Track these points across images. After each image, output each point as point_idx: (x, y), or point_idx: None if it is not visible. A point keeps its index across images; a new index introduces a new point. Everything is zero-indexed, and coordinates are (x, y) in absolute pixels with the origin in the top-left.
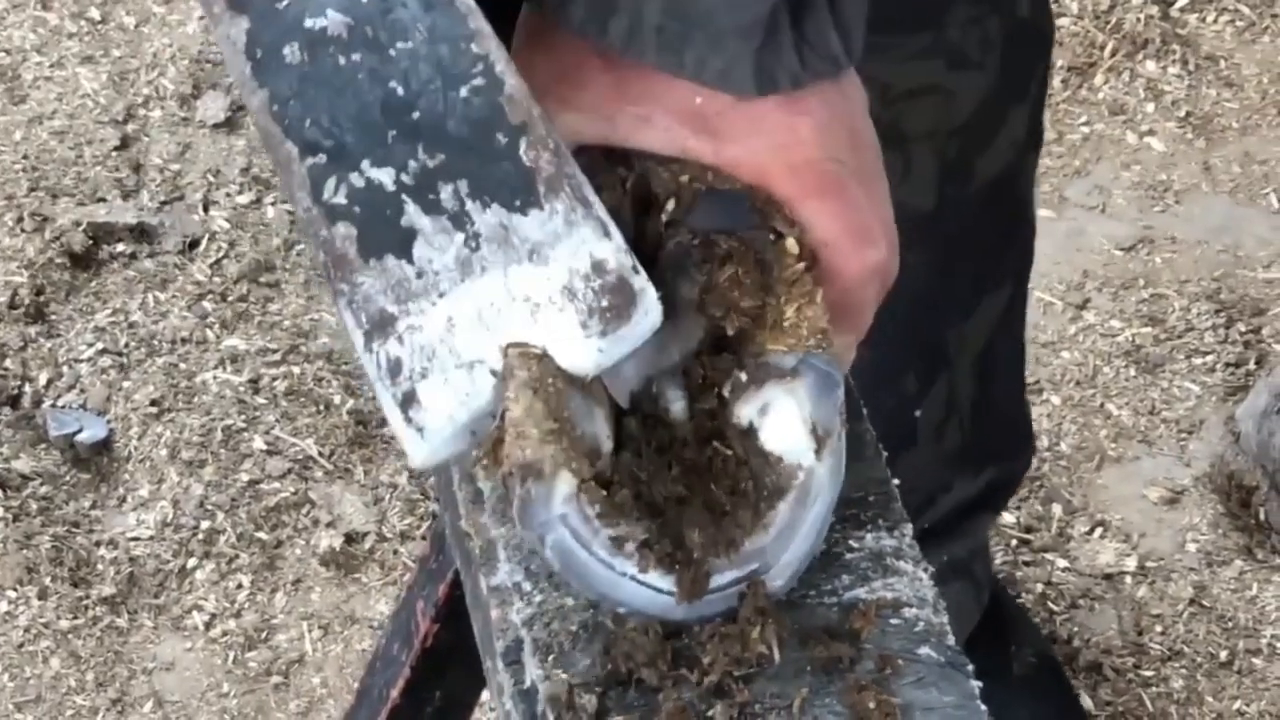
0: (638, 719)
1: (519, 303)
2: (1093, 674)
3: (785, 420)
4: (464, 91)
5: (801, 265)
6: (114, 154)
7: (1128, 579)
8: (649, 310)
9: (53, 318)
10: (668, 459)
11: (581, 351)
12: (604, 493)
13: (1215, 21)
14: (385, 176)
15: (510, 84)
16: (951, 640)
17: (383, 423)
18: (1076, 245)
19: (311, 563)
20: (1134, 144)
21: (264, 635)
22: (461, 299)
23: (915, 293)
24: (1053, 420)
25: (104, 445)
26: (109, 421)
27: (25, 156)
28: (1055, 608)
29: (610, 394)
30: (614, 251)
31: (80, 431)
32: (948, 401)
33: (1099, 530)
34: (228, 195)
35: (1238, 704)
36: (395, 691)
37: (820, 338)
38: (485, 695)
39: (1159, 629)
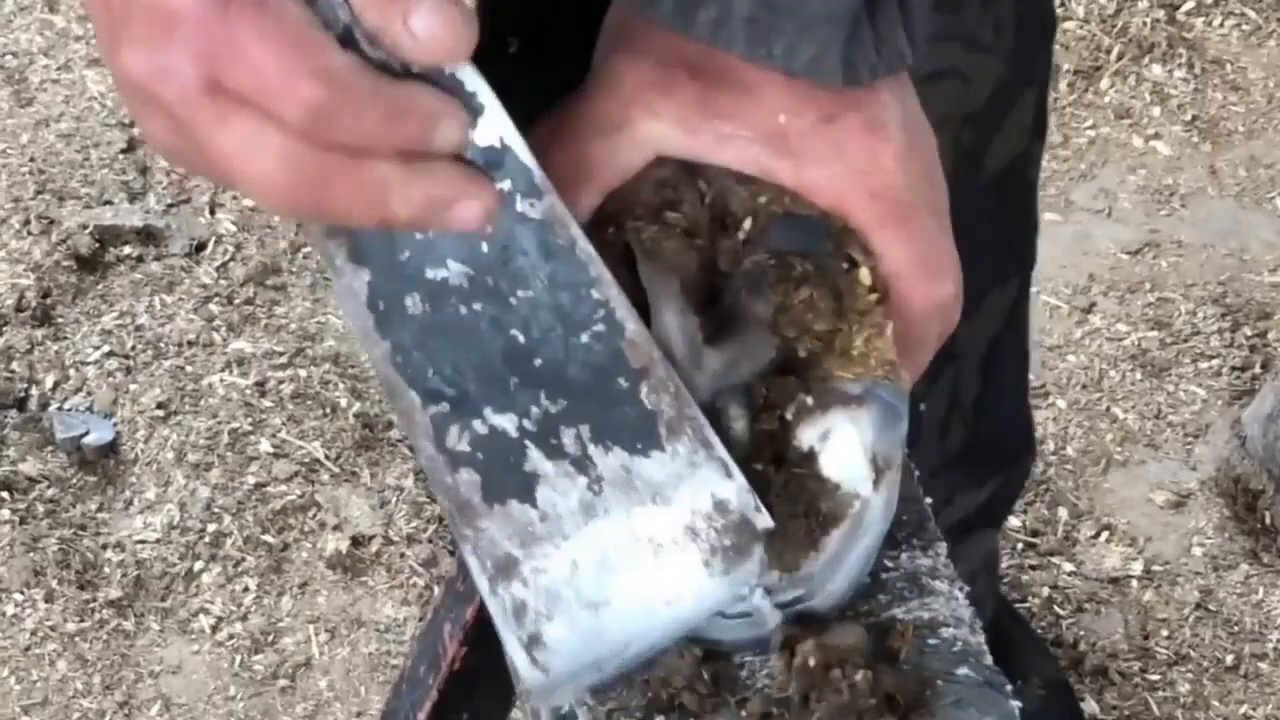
0: None
1: (642, 543)
2: (1099, 678)
3: (847, 448)
4: (585, 338)
5: (874, 296)
6: (121, 156)
7: (1134, 583)
8: (757, 548)
9: (59, 320)
10: None
11: (707, 589)
12: None
13: (1221, 25)
14: (508, 423)
15: (631, 329)
16: (989, 659)
17: (389, 425)
18: (1082, 249)
19: (318, 566)
20: (1140, 148)
21: (270, 638)
22: (585, 542)
23: None
24: (1059, 424)
25: (110, 448)
26: (115, 424)
27: (32, 159)
28: (1061, 612)
29: None
30: (736, 491)
31: (87, 434)
32: (951, 397)
33: (1105, 534)
34: (234, 198)
35: (1244, 708)
36: (422, 715)
37: (889, 369)
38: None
39: (1165, 633)
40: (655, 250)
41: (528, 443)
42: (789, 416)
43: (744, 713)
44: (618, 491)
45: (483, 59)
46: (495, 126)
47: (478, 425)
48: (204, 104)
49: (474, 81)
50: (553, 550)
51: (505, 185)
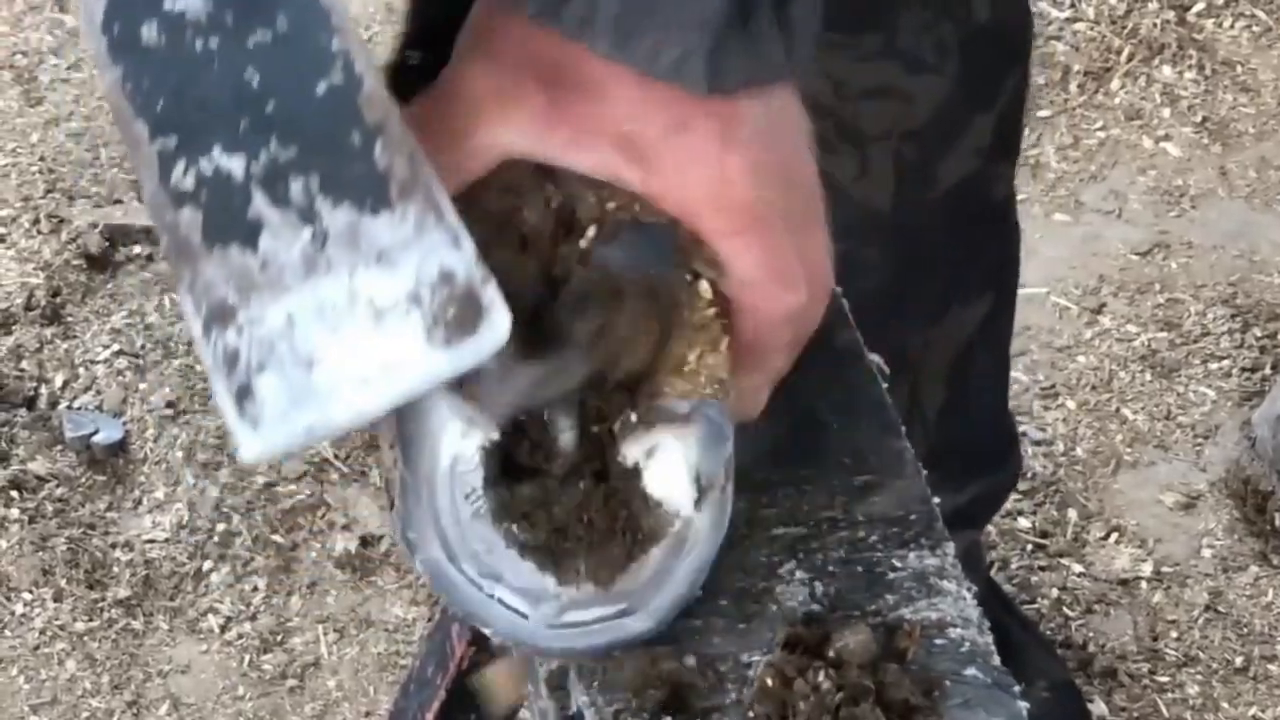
0: None
1: (363, 305)
2: (1108, 680)
3: (670, 466)
4: (321, 87)
5: (711, 311)
6: None
7: (1143, 584)
8: (496, 325)
9: (69, 319)
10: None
11: (425, 361)
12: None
13: (1232, 27)
14: (235, 165)
15: (369, 84)
16: (997, 660)
17: None
18: (1092, 250)
19: (327, 565)
20: (1150, 149)
21: (279, 638)
22: (305, 296)
23: (876, 289)
24: (1068, 425)
25: (120, 447)
26: (125, 423)
27: (42, 158)
28: (1070, 613)
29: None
30: (464, 262)
31: (96, 433)
32: (909, 407)
33: (1114, 535)
34: None
35: (1253, 710)
36: (430, 715)
37: (718, 388)
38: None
39: (1174, 635)
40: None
41: (254, 188)
42: (615, 429)
43: (751, 714)
44: (342, 249)
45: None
46: None
47: (204, 164)
48: None
49: None
50: (270, 301)
51: None
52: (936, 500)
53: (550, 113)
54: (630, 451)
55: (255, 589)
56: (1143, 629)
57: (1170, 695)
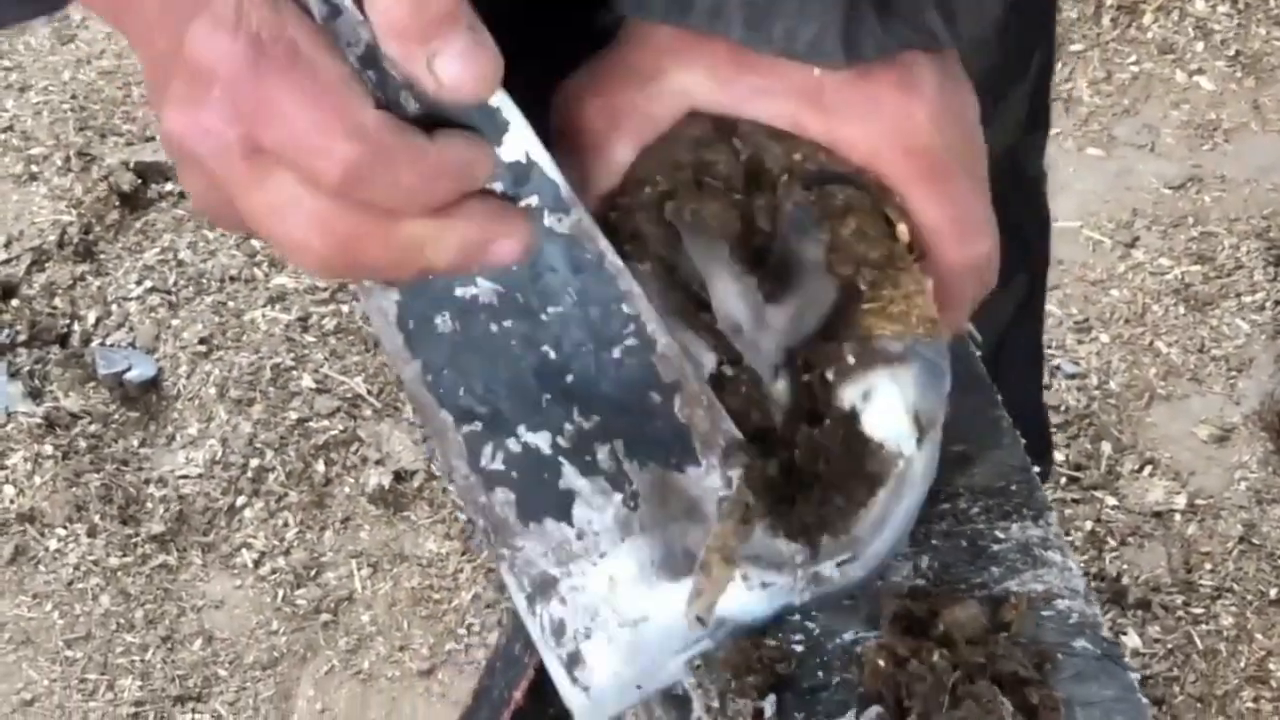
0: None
1: (678, 558)
2: (1141, 611)
3: (888, 407)
4: (616, 353)
5: (912, 255)
6: None
7: (1177, 517)
8: (791, 556)
9: (101, 256)
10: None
11: (742, 598)
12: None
13: None
14: (542, 441)
15: (661, 343)
16: (1106, 631)
17: None
18: (1125, 184)
19: (360, 500)
20: (1183, 83)
21: (313, 573)
22: (623, 558)
23: None
24: (1102, 358)
25: (153, 383)
26: (158, 360)
27: (74, 96)
28: (1105, 546)
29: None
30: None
31: (129, 370)
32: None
33: (1148, 468)
34: None
35: None
36: (518, 693)
37: (930, 326)
38: None
39: (1208, 566)
40: (698, 221)
41: (562, 460)
42: (830, 376)
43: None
44: (653, 507)
45: None
46: (521, 142)
47: (511, 444)
48: (241, 164)
49: (499, 98)
50: (590, 568)
51: (533, 200)
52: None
53: (735, 61)
54: (847, 395)
55: (288, 524)
56: (1176, 561)
57: (1204, 627)
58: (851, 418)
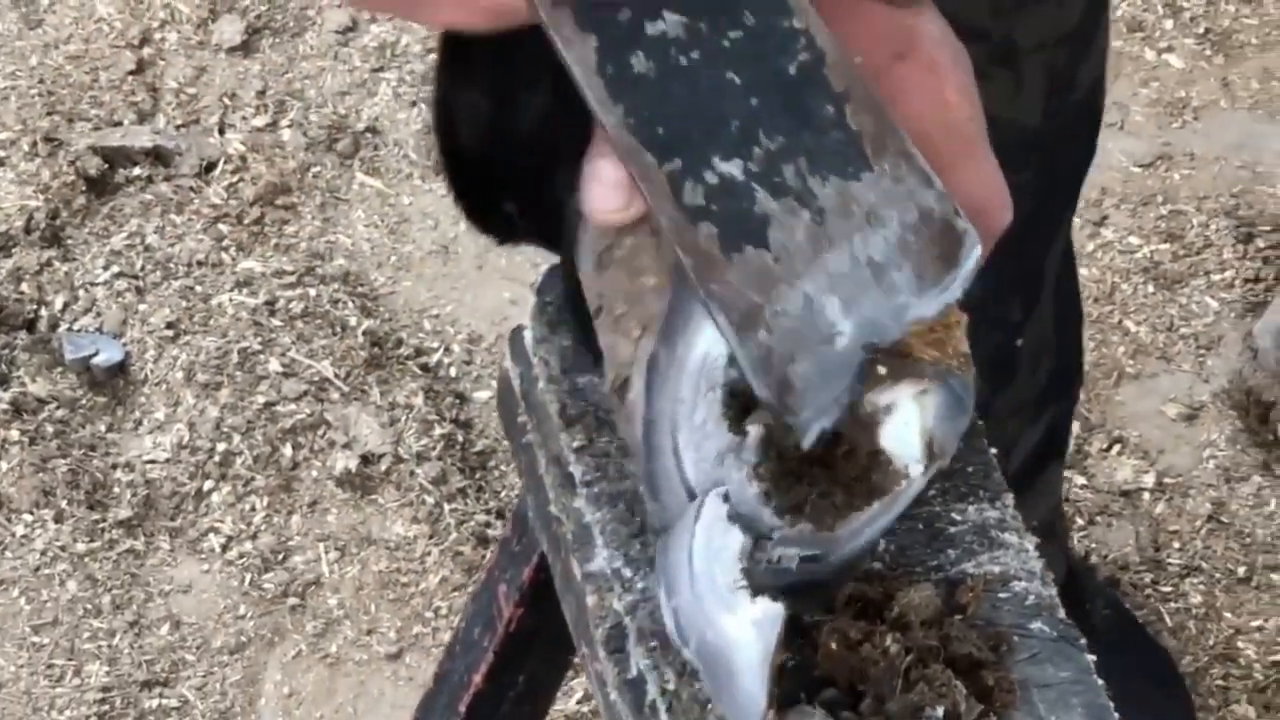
0: None
1: (864, 268)
2: (1111, 590)
3: (905, 426)
4: (792, 69)
5: None
6: (130, 78)
7: (1146, 495)
8: (972, 249)
9: (69, 241)
10: None
11: (922, 307)
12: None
13: None
14: (735, 169)
15: (831, 53)
16: (1062, 613)
17: (399, 344)
18: (1095, 162)
19: (328, 484)
20: (1152, 61)
21: (280, 557)
22: (816, 275)
23: (1023, 216)
24: None
25: (120, 368)
26: (125, 344)
27: (41, 81)
28: (1073, 524)
29: None
30: (937, 197)
31: (96, 355)
32: (1042, 329)
33: (1117, 447)
34: (244, 118)
35: (1257, 620)
36: (478, 676)
37: (962, 361)
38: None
39: (1177, 545)
40: None
41: (754, 185)
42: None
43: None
44: (838, 219)
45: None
46: None
47: (709, 176)
48: None
49: None
50: (788, 290)
51: None
52: (993, 451)
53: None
54: (870, 401)
55: (255, 508)
56: (1145, 539)
57: (1173, 605)
58: (871, 425)
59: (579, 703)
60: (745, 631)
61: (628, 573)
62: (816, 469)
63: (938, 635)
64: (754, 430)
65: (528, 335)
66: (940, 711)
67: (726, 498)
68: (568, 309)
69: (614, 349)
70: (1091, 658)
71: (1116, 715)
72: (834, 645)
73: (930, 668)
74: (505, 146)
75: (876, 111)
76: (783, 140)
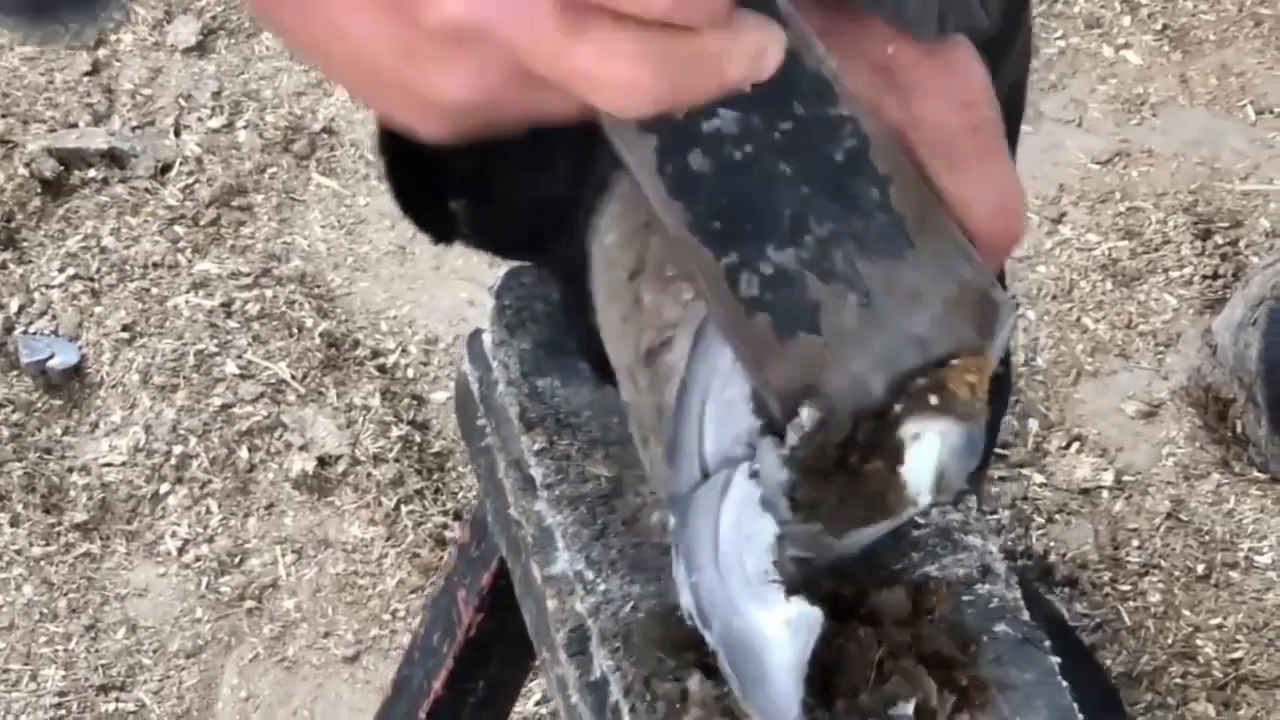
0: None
1: (908, 344)
2: (1069, 588)
3: (927, 456)
4: (839, 156)
5: None
6: (85, 79)
7: (1104, 493)
8: (1006, 314)
9: (24, 244)
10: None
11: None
12: None
13: None
14: (787, 259)
15: (876, 138)
16: (1026, 615)
17: (355, 345)
18: (1052, 159)
19: (284, 486)
20: (1110, 57)
21: (237, 560)
22: (864, 356)
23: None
24: (1029, 335)
25: (75, 371)
26: (81, 347)
27: None
28: (1031, 523)
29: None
30: (973, 270)
31: (52, 358)
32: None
33: (1075, 445)
34: (199, 119)
35: (1216, 618)
36: (438, 683)
37: (983, 405)
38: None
39: (1136, 543)
40: None
41: (806, 273)
42: (899, 407)
43: None
44: (885, 299)
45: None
46: None
47: (764, 267)
48: (554, 22)
49: None
50: (837, 373)
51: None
52: None
53: (823, 28)
54: (905, 429)
55: (212, 511)
56: (1104, 537)
57: (1132, 603)
58: (898, 450)
59: (537, 704)
60: (778, 631)
61: (590, 575)
62: (843, 475)
63: (910, 633)
64: (806, 413)
65: (486, 339)
66: (912, 705)
67: (755, 475)
68: (571, 295)
69: (658, 308)
70: (1056, 660)
71: (1081, 717)
72: None
73: (902, 661)
74: (451, 145)
75: (918, 190)
76: (832, 226)
